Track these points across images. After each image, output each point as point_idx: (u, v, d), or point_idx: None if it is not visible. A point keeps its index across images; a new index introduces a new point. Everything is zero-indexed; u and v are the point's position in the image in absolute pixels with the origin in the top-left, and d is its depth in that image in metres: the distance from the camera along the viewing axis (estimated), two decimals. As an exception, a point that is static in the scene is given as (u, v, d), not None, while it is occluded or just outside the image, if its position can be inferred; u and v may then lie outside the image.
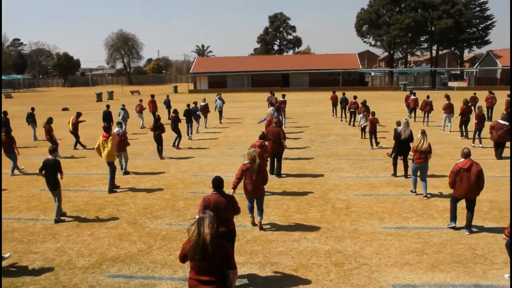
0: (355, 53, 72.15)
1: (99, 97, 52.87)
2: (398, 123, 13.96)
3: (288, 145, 19.67)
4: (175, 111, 19.73)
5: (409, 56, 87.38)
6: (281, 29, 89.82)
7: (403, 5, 68.18)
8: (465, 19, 66.29)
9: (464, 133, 20.46)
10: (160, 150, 17.36)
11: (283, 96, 26.60)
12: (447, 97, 22.42)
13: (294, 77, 66.62)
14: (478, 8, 73.69)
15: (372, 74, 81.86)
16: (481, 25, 73.47)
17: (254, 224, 9.87)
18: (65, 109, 40.81)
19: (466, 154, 9.30)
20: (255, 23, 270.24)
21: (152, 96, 28.53)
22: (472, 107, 23.64)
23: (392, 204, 11.00)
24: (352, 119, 25.60)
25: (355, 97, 25.41)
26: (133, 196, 12.42)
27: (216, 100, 29.08)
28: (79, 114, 20.17)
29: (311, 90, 61.93)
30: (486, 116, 22.59)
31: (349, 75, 65.45)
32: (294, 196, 12.20)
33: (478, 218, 10.20)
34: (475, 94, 27.93)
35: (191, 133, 22.15)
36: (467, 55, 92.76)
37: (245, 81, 65.79)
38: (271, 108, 18.88)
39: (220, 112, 28.93)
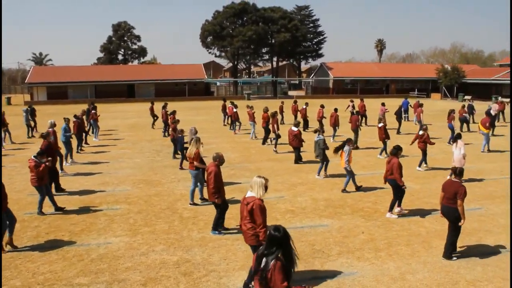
0: (200, 64, 73.23)
1: None
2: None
3: (134, 157, 19.25)
4: None
5: (252, 67, 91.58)
6: (125, 38, 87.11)
7: (245, 18, 71.20)
8: (301, 33, 72.31)
9: (270, 139, 21.93)
10: None
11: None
12: (250, 107, 24.85)
13: (139, 87, 65.16)
14: (311, 25, 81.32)
15: (218, 84, 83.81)
16: (315, 40, 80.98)
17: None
18: None
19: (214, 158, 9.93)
20: (98, 31, 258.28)
21: None
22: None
23: (238, 209, 11.36)
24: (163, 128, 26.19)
25: (164, 106, 26.48)
26: (-44, 222, 10.93)
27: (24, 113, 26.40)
28: None
29: (158, 100, 61.18)
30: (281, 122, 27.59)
31: (195, 85, 66.11)
32: (140, 209, 11.91)
33: (316, 215, 11.09)
34: (295, 102, 30.03)
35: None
36: (304, 66, 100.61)
37: (88, 92, 62.52)
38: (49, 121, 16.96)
39: (28, 126, 26.02)
